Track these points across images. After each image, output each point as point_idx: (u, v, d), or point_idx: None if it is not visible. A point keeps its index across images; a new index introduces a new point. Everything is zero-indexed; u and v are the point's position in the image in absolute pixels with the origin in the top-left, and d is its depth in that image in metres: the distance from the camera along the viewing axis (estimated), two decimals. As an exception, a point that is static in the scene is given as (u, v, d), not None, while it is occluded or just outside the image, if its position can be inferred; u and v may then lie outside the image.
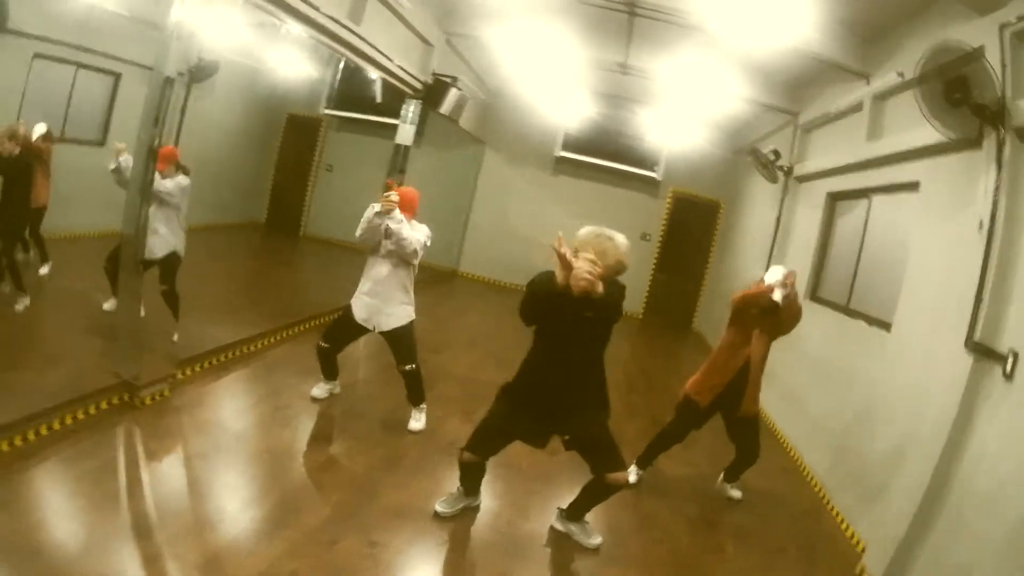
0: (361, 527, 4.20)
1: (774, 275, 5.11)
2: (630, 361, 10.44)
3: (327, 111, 14.50)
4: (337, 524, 4.18)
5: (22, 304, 6.32)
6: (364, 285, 5.70)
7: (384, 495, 4.65)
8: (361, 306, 5.68)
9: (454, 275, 14.73)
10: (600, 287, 3.52)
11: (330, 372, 6.06)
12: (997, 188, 4.27)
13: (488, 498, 4.81)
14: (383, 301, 5.66)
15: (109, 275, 6.40)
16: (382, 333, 5.73)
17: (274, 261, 13.25)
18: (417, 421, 5.86)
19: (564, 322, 3.89)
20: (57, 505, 3.83)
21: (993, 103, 4.24)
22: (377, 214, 5.31)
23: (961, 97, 4.32)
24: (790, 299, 5.00)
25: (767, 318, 5.16)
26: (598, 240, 3.92)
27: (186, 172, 6.46)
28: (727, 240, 13.58)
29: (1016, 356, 3.97)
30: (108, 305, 6.65)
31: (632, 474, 5.50)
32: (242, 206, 14.43)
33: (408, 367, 5.76)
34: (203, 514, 4.02)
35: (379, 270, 5.65)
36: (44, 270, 7.49)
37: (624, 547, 4.67)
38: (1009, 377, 4.00)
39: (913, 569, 4.48)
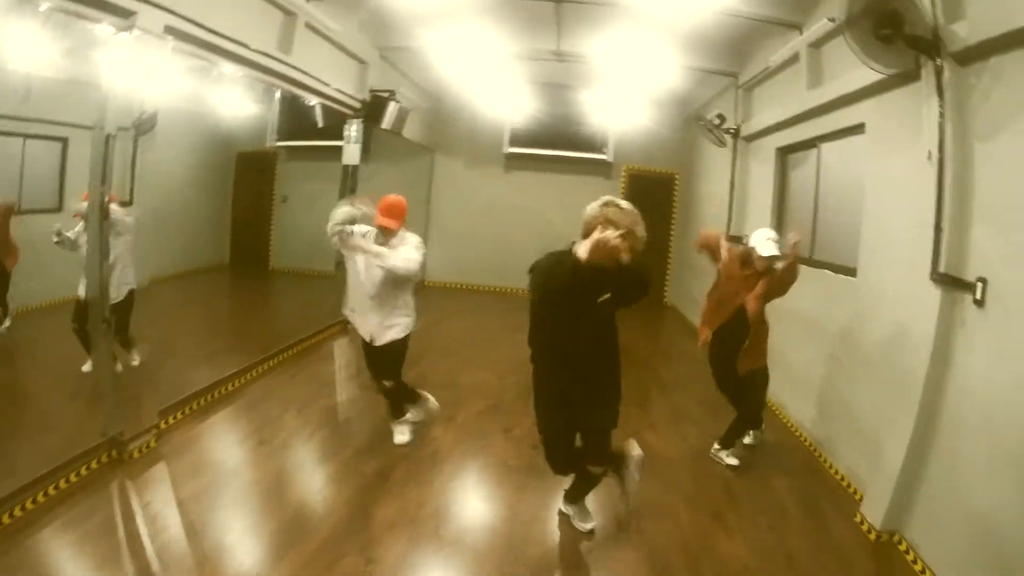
0: (358, 545, 4.26)
1: (760, 239, 5.33)
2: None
3: (277, 143, 14.35)
4: (333, 545, 4.25)
5: None
6: (355, 301, 5.58)
7: (378, 510, 4.71)
8: (360, 325, 5.59)
9: (420, 286, 14.52)
10: (627, 254, 3.54)
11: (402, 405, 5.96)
12: (941, 116, 4.26)
13: (479, 500, 4.96)
14: (382, 316, 5.50)
15: (80, 336, 6.36)
16: (378, 347, 5.56)
17: (243, 299, 13.22)
18: (401, 434, 5.81)
19: (582, 306, 3.76)
20: (63, 569, 3.91)
21: (926, 32, 4.23)
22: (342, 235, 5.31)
23: (891, 32, 4.31)
24: (789, 263, 5.31)
25: (752, 278, 5.43)
26: (622, 214, 3.74)
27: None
28: (687, 210, 13.63)
29: (985, 282, 3.97)
30: (86, 367, 6.47)
31: (731, 458, 5.76)
32: (206, 250, 14.21)
33: (387, 383, 5.67)
34: (203, 554, 4.07)
35: (370, 280, 5.45)
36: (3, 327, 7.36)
37: (627, 529, 4.68)
38: (980, 303, 4.01)
39: (914, 510, 4.50)
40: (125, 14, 4.96)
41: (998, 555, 3.65)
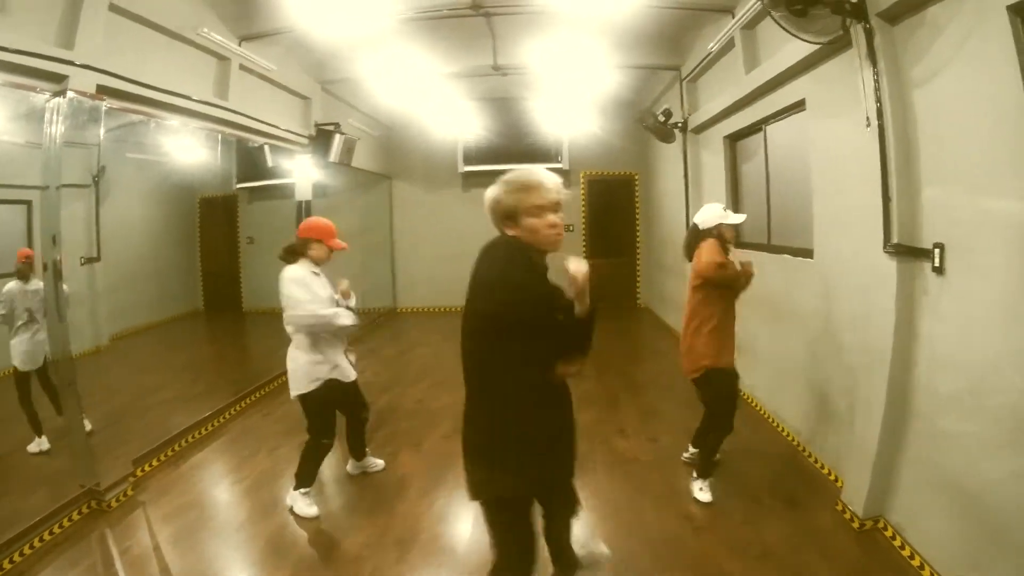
0: (326, 573, 4.40)
1: (715, 213, 5.18)
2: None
3: (237, 186, 14.27)
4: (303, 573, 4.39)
5: None
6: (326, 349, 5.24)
7: (346, 539, 4.81)
8: (334, 368, 5.31)
9: (394, 314, 14.53)
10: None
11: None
12: (876, 79, 4.19)
13: (444, 524, 4.87)
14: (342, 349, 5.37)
15: (26, 410, 6.36)
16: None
17: (217, 342, 13.25)
18: (376, 467, 5.78)
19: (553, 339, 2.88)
20: None
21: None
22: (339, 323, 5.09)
23: (805, 5, 4.19)
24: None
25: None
26: (551, 187, 2.90)
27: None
28: (649, 209, 13.61)
29: (943, 247, 3.88)
30: (32, 446, 6.39)
31: (703, 493, 5.14)
32: (177, 297, 14.27)
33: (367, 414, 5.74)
34: None
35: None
36: None
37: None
38: (940, 270, 3.91)
39: (895, 493, 4.43)
40: (57, 79, 5.05)
41: (983, 528, 3.57)
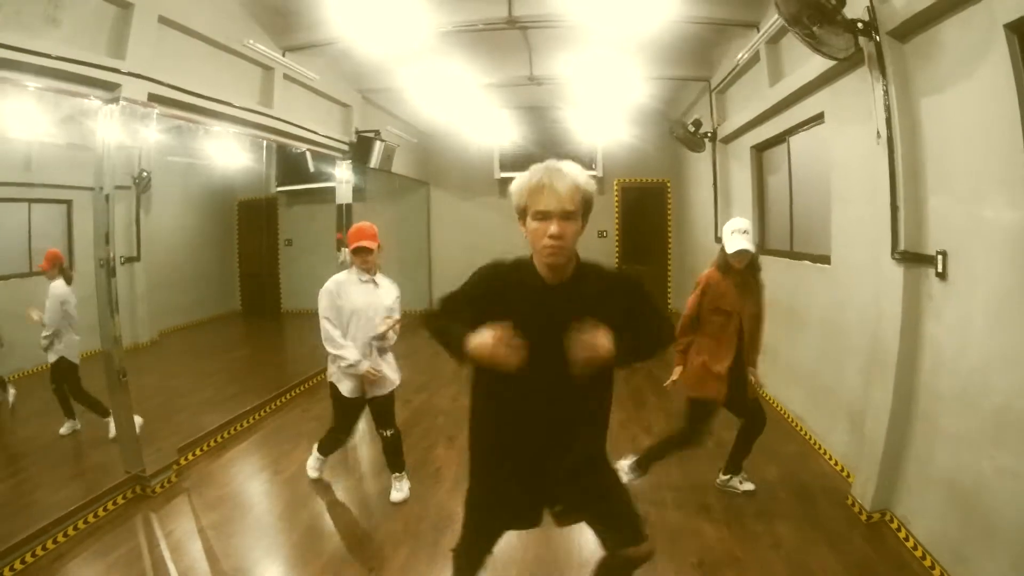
0: (361, 558, 4.57)
1: (727, 232, 4.88)
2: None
3: (277, 189, 14.56)
4: (340, 560, 4.56)
5: None
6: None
7: (380, 527, 4.99)
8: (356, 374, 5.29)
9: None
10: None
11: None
12: (886, 94, 4.36)
13: None
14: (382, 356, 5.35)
15: (59, 397, 6.65)
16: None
17: (256, 342, 13.51)
18: (399, 491, 5.48)
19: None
20: None
21: (861, 14, 4.39)
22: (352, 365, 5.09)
23: (817, 26, 4.40)
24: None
25: (743, 281, 4.91)
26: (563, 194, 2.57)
27: (68, 278, 6.57)
28: (681, 216, 13.69)
29: (945, 255, 4.05)
30: (64, 429, 6.76)
31: (747, 483, 5.28)
32: (216, 299, 14.52)
33: (390, 431, 5.56)
34: (222, 575, 4.40)
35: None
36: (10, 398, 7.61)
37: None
38: (943, 276, 4.08)
39: (902, 487, 4.57)
40: (110, 87, 5.26)
41: (981, 525, 3.71)
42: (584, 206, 2.63)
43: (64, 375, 6.55)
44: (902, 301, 4.40)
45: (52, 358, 6.50)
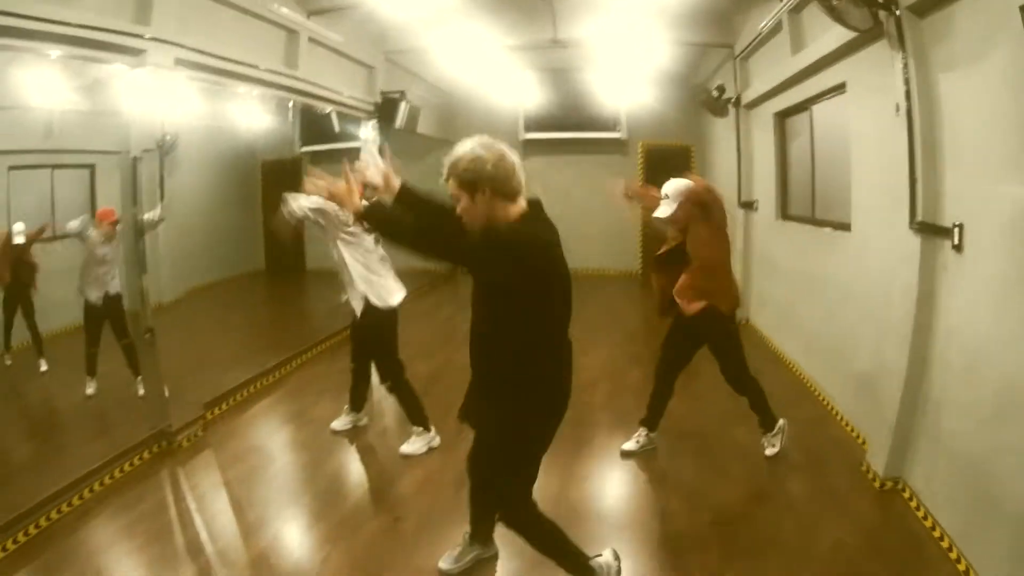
0: (385, 508, 4.74)
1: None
2: (631, 315, 10.73)
3: (301, 149, 14.59)
4: (364, 509, 4.75)
5: None
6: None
7: (404, 478, 5.16)
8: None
9: (452, 277, 14.75)
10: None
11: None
12: (905, 67, 4.39)
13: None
14: (355, 284, 5.41)
15: (89, 355, 6.79)
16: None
17: (281, 299, 13.83)
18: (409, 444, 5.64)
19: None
20: (120, 543, 4.33)
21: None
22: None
23: None
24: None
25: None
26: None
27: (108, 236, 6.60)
28: (705, 180, 13.57)
29: (961, 227, 4.06)
30: (90, 389, 6.85)
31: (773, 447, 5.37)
32: (239, 258, 14.67)
33: (353, 364, 5.91)
34: (248, 524, 4.54)
35: (337, 253, 5.46)
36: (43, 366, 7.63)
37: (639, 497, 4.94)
38: (959, 248, 4.09)
39: (913, 456, 4.58)
40: (136, 53, 5.34)
41: (987, 497, 3.72)
42: (450, 175, 3.00)
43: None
44: (919, 271, 4.43)
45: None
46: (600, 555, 3.54)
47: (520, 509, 3.31)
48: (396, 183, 3.30)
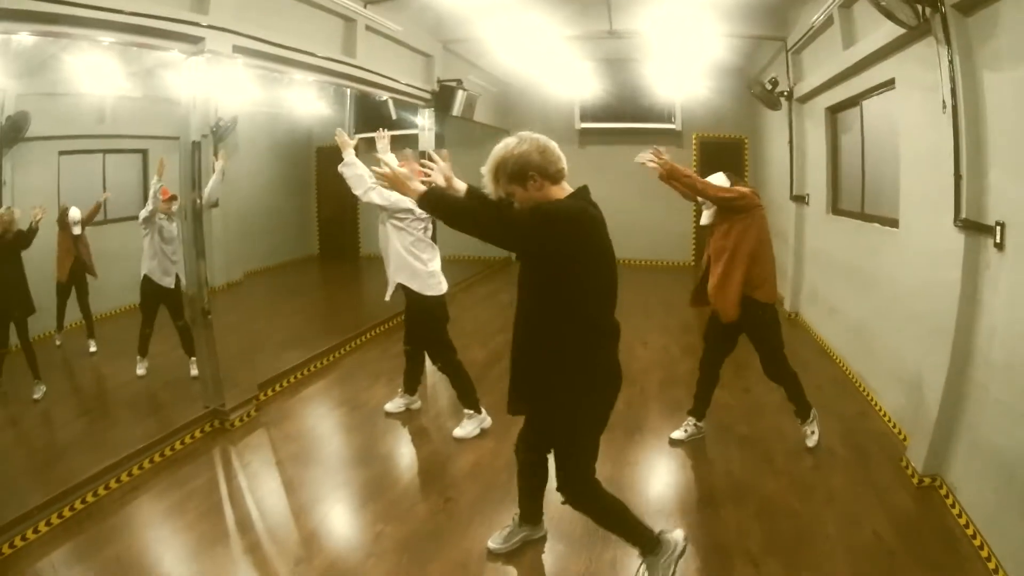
0: (436, 489, 4.84)
1: None
2: (686, 306, 10.79)
3: (358, 136, 14.56)
4: (415, 490, 4.88)
5: (39, 392, 6.47)
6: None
7: (455, 462, 5.27)
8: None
9: (510, 262, 14.65)
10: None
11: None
12: (951, 65, 4.40)
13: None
14: (393, 269, 5.56)
15: (143, 335, 7.01)
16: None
17: (335, 284, 13.99)
18: (460, 428, 5.78)
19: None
20: (171, 520, 4.46)
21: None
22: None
23: None
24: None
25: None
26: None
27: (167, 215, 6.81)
28: (758, 172, 13.67)
29: (1003, 226, 4.08)
30: (141, 370, 7.09)
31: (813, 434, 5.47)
32: (294, 243, 15.01)
33: (406, 347, 6.02)
34: (299, 503, 4.66)
35: (384, 236, 5.64)
36: (92, 347, 7.87)
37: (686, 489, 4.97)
38: (1000, 247, 4.11)
39: (952, 453, 4.59)
40: (194, 40, 5.48)
41: (1020, 497, 3.73)
42: (499, 176, 3.19)
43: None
44: (962, 268, 4.44)
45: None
46: (667, 532, 3.63)
47: (586, 487, 3.43)
48: (459, 185, 3.60)
